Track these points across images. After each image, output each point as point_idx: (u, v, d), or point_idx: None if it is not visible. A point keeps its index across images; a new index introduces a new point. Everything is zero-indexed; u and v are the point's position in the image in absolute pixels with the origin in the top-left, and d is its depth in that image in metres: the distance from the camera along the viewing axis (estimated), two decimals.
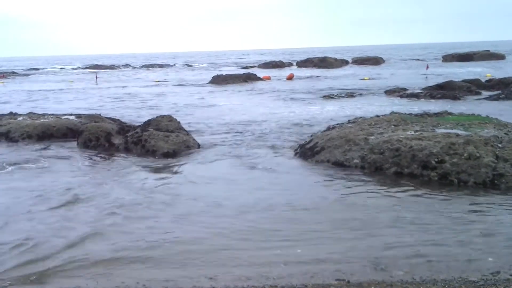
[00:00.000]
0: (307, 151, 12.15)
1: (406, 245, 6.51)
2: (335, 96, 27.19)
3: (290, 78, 41.63)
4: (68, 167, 11.92)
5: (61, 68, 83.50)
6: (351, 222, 7.49)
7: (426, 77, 38.31)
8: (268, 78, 41.46)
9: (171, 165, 12.03)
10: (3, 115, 18.57)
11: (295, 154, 12.54)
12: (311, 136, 13.53)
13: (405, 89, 27.92)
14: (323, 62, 61.09)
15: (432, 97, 24.16)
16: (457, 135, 10.66)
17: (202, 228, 7.46)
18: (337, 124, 14.13)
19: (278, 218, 7.80)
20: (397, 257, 6.13)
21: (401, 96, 25.69)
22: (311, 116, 19.58)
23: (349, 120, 14.46)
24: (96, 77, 48.13)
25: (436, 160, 9.88)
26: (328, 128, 13.73)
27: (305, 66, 60.67)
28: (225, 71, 53.63)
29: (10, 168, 11.85)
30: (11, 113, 19.13)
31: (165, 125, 14.70)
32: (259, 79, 40.45)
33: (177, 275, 5.86)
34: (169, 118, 15.36)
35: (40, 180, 10.74)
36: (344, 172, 10.56)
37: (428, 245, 6.52)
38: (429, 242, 6.61)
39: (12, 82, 51.09)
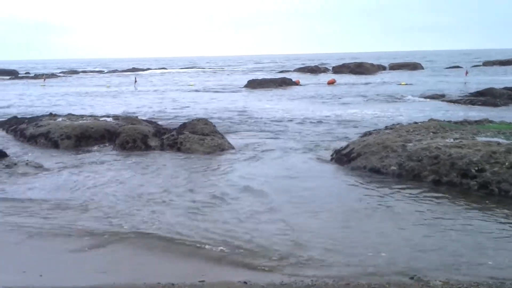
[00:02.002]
0: (343, 157, 12.01)
1: (445, 254, 6.33)
2: (372, 101, 26.89)
3: (331, 83, 41.32)
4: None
5: (100, 72, 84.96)
6: (387, 232, 7.33)
7: (465, 84, 37.52)
8: (298, 83, 41.22)
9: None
10: (43, 115, 18.98)
11: (331, 159, 12.41)
12: (348, 142, 13.38)
13: (444, 96, 27.40)
14: (360, 68, 60.44)
15: (472, 104, 23.63)
16: (498, 143, 10.35)
17: None
18: (373, 130, 13.94)
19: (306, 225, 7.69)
20: (436, 266, 5.97)
21: (439, 103, 25.19)
22: (350, 120, 19.45)
23: (386, 126, 14.24)
24: (135, 81, 48.82)
25: (476, 168, 9.59)
26: (365, 134, 13.55)
27: (341, 72, 60.12)
28: (260, 75, 53.65)
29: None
30: (50, 114, 19.54)
31: (200, 128, 14.77)
32: (294, 84, 40.34)
33: None
34: (205, 121, 15.44)
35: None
36: (380, 179, 10.37)
37: (466, 255, 6.32)
38: (467, 251, 6.41)
39: (53, 84, 52.37)
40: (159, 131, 15.45)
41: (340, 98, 29.57)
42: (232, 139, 15.23)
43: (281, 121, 19.80)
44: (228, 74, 69.27)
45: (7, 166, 11.99)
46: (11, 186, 10.32)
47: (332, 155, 12.66)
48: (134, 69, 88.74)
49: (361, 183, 10.12)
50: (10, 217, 8.35)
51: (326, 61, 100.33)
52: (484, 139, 11.09)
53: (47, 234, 7.54)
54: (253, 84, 39.40)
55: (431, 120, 14.16)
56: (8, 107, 28.12)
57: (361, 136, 13.42)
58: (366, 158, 11.33)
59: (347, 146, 12.60)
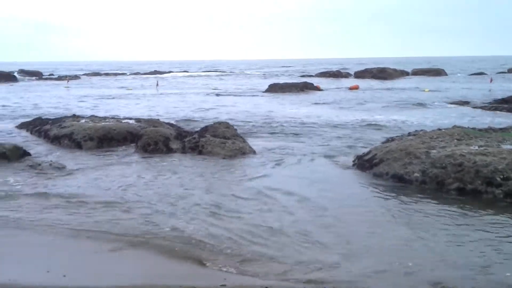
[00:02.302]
0: (365, 163, 11.89)
1: (470, 265, 6.22)
2: (395, 106, 26.69)
3: (354, 88, 41.05)
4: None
5: (122, 74, 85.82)
6: (411, 241, 7.22)
7: (490, 90, 37.01)
8: (319, 88, 40.98)
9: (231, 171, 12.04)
10: (66, 117, 19.21)
11: (353, 164, 12.31)
12: (370, 147, 13.27)
13: (468, 102, 27.06)
14: (382, 73, 60.03)
15: (497, 111, 23.26)
16: None
17: None
18: (396, 136, 13.79)
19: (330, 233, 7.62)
20: (461, 277, 5.87)
21: (464, 109, 24.87)
22: (372, 125, 19.36)
23: (409, 133, 14.08)
24: (157, 84, 49.14)
25: (501, 177, 9.41)
26: (387, 140, 13.41)
27: (363, 77, 59.76)
28: (280, 79, 53.55)
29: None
30: (74, 115, 19.77)
31: (221, 131, 14.79)
32: (316, 88, 40.20)
33: None
34: (226, 125, 15.46)
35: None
36: (403, 186, 10.26)
37: (491, 265, 6.20)
38: (493, 261, 6.29)
39: (76, 85, 53.04)
40: (181, 134, 15.51)
41: (362, 103, 29.39)
42: (253, 143, 15.21)
43: (302, 125, 19.75)
44: (248, 78, 69.44)
45: (31, 166, 12.15)
46: (33, 186, 10.45)
47: (354, 161, 12.56)
48: (156, 72, 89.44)
49: (384, 190, 10.01)
50: (34, 215, 8.45)
51: (347, 66, 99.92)
52: (509, 147, 10.89)
53: (73, 233, 7.62)
54: (274, 88, 39.35)
55: (455, 126, 13.95)
56: (32, 108, 28.54)
57: (384, 142, 13.28)
58: (388, 165, 11.20)
59: (369, 152, 12.48)
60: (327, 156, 13.50)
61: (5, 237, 7.51)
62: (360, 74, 62.24)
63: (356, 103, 29.76)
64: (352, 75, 64.60)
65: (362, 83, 47.49)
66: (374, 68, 64.65)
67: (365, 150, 13.03)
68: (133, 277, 5.98)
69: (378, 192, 9.90)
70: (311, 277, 5.97)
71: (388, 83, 49.13)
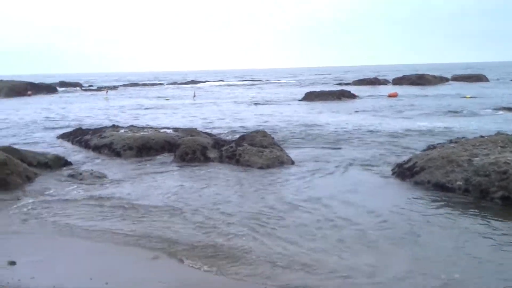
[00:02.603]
0: (405, 171, 11.67)
1: None
2: (435, 114, 26.19)
3: (393, 96, 40.43)
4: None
5: (159, 84, 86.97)
6: (456, 251, 7.01)
7: None
8: (355, 97, 40.26)
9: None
10: (106, 127, 19.56)
11: (393, 173, 12.08)
12: (410, 155, 13.00)
13: (511, 109, 26.31)
14: (421, 79, 59.07)
15: None
16: None
17: None
18: (437, 144, 13.50)
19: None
20: None
21: (507, 116, 24.17)
22: (413, 133, 19.08)
23: (450, 140, 13.78)
24: (194, 95, 49.59)
25: None
26: (428, 148, 13.15)
27: (401, 84, 58.93)
28: (316, 87, 53.19)
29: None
30: (113, 125, 20.12)
31: (259, 140, 14.75)
32: (353, 96, 39.69)
33: None
34: (263, 133, 15.42)
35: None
36: (445, 194, 10.02)
37: None
38: None
39: (114, 96, 54.02)
40: (218, 142, 15.55)
41: (401, 111, 28.94)
42: (291, 151, 15.13)
43: (341, 133, 19.57)
44: (284, 86, 69.35)
45: (73, 176, 12.38)
46: (76, 194, 10.64)
47: (393, 169, 12.35)
48: (192, 82, 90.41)
49: (426, 200, 9.82)
50: (81, 222, 8.60)
51: (384, 73, 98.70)
52: None
53: (119, 240, 7.76)
54: (310, 97, 39.16)
55: (498, 133, 13.55)
56: (73, 118, 29.16)
57: (425, 150, 13.03)
58: (430, 173, 10.96)
59: (410, 159, 12.25)
60: (366, 165, 13.32)
61: (54, 242, 7.69)
62: (398, 81, 61.39)
63: (395, 110, 29.33)
64: (390, 82, 63.75)
65: (400, 90, 46.78)
66: (413, 74, 63.69)
67: (406, 158, 12.80)
68: (174, 285, 5.97)
69: (420, 202, 9.70)
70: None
71: (427, 90, 48.26)
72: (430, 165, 11.19)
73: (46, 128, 23.97)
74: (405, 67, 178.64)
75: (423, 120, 23.81)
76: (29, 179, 12.03)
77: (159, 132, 17.61)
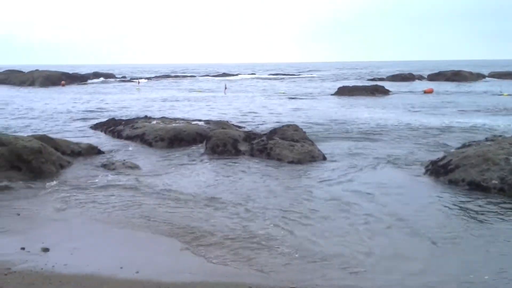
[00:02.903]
0: (440, 169, 11.43)
1: None
2: (472, 111, 25.62)
3: (429, 92, 39.72)
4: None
5: (191, 76, 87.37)
6: (489, 253, 6.82)
7: None
8: (389, 92, 39.63)
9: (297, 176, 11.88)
10: (139, 118, 19.73)
11: (426, 171, 11.83)
12: (445, 153, 12.72)
13: None
14: (457, 76, 57.92)
15: None
16: None
17: None
18: (473, 142, 13.17)
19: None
20: None
21: None
22: (448, 130, 18.73)
23: (486, 138, 13.42)
24: (226, 87, 49.70)
25: None
26: (464, 146, 12.83)
27: (437, 80, 57.89)
28: (348, 82, 52.70)
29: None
30: (145, 116, 20.27)
31: (290, 134, 14.65)
32: (387, 91, 39.13)
33: None
34: (295, 127, 15.30)
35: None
36: (480, 194, 9.79)
37: None
38: None
39: (147, 87, 54.53)
40: (249, 136, 15.50)
41: (437, 107, 28.42)
42: (322, 146, 14.97)
43: (374, 129, 19.33)
44: (316, 81, 68.83)
45: (105, 165, 12.50)
46: (103, 182, 10.75)
47: (427, 166, 12.11)
48: (224, 74, 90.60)
49: (460, 198, 9.61)
50: (112, 211, 8.70)
51: (419, 69, 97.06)
52: None
53: (152, 230, 7.81)
54: (343, 91, 38.78)
55: None
56: (106, 109, 29.54)
57: (460, 148, 12.73)
58: (465, 171, 10.72)
59: (445, 157, 12.00)
60: (399, 161, 13.12)
61: (86, 230, 7.80)
62: (433, 77, 60.34)
63: (430, 106, 28.82)
64: (425, 78, 62.64)
65: (436, 86, 45.96)
66: (449, 71, 62.45)
67: (440, 156, 12.53)
68: (204, 277, 5.95)
69: (454, 200, 9.50)
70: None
71: (464, 86, 47.31)
72: (465, 163, 10.95)
73: (79, 118, 24.34)
74: (440, 63, 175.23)
75: (459, 117, 23.34)
76: (62, 167, 12.21)
77: (191, 124, 17.67)
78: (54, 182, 10.88)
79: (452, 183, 10.61)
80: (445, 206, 9.07)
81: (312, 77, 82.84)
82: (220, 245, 7.11)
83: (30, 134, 14.72)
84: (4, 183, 10.66)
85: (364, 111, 26.33)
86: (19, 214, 8.54)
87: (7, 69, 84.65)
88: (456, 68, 67.62)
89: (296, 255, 6.71)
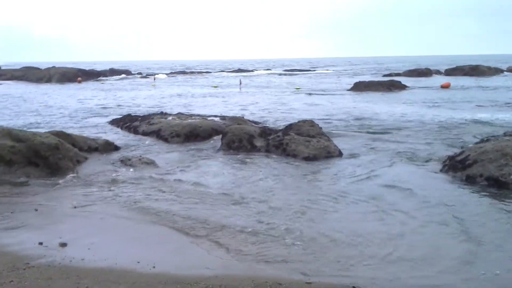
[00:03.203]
0: (457, 164, 11.31)
1: None
2: (490, 106, 25.33)
3: (446, 86, 39.30)
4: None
5: (207, 72, 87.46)
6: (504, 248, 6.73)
7: None
8: (405, 87, 39.26)
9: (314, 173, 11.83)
10: (155, 114, 19.80)
11: (443, 166, 11.71)
12: (463, 148, 12.57)
13: None
14: (475, 70, 57.25)
15: None
16: None
17: None
18: (492, 137, 12.99)
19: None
20: None
21: None
22: (465, 125, 18.56)
23: (505, 133, 13.26)
24: (240, 82, 49.67)
25: None
26: (482, 141, 12.67)
27: (454, 74, 57.20)
28: (364, 78, 52.26)
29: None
30: (161, 112, 20.35)
31: (306, 130, 14.58)
32: (404, 86, 38.73)
33: None
34: (310, 123, 15.22)
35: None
36: (499, 189, 9.67)
37: None
38: None
39: (163, 83, 54.72)
40: (265, 131, 15.46)
41: (454, 102, 28.16)
42: (339, 141, 14.88)
43: (391, 124, 19.18)
44: (331, 76, 68.48)
45: (122, 161, 12.56)
46: (120, 178, 10.81)
47: (445, 161, 11.99)
48: (239, 70, 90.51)
49: (478, 194, 9.51)
50: (129, 206, 8.76)
51: (435, 64, 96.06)
52: None
53: (169, 225, 7.86)
54: (359, 87, 38.50)
55: None
56: (122, 105, 29.71)
57: (478, 143, 12.57)
58: (482, 166, 10.59)
59: (462, 152, 11.86)
60: (416, 156, 13.03)
61: (104, 225, 7.89)
62: (451, 72, 59.62)
63: (447, 101, 28.55)
64: (442, 72, 61.92)
65: (453, 81, 45.48)
66: (466, 65, 61.71)
67: (458, 151, 12.40)
68: (221, 272, 5.95)
69: (471, 195, 9.41)
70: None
71: (482, 81, 46.75)
72: (483, 158, 10.82)
73: (96, 114, 24.52)
74: (457, 57, 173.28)
75: (476, 112, 23.08)
76: (79, 163, 12.29)
77: (207, 119, 17.70)
78: (71, 178, 10.98)
79: (470, 178, 10.48)
80: (461, 202, 8.97)
81: (326, 72, 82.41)
82: (236, 240, 7.13)
83: (47, 130, 14.84)
84: (22, 179, 10.78)
85: (381, 107, 26.13)
86: (36, 210, 8.61)
87: (24, 66, 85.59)
88: (473, 63, 66.82)
89: (313, 252, 6.70)
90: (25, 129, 15.52)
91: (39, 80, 58.52)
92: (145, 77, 71.25)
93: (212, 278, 5.64)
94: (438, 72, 62.36)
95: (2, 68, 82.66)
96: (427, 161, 12.49)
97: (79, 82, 56.74)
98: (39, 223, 7.92)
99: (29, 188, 10.21)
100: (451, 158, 11.98)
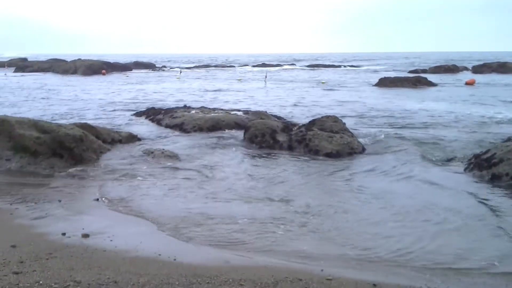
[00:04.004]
0: (483, 162, 11.12)
1: None
2: None
3: (471, 83, 38.66)
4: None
5: (230, 66, 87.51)
6: None
7: None
8: (431, 84, 38.71)
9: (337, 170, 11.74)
10: (178, 107, 19.88)
11: (469, 164, 11.52)
12: (489, 147, 12.34)
13: None
14: (503, 67, 56.14)
15: None
16: None
17: None
18: None
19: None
20: None
21: None
22: (492, 124, 18.19)
23: None
24: (266, 76, 49.59)
25: None
26: (509, 139, 12.41)
27: (482, 72, 56.15)
28: (389, 74, 51.59)
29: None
30: (185, 106, 20.41)
31: (329, 125, 14.49)
32: (430, 83, 38.14)
33: None
34: (334, 118, 15.12)
35: None
36: None
37: None
38: None
39: (187, 77, 54.90)
40: (287, 126, 15.41)
41: (481, 99, 27.60)
42: (362, 138, 14.75)
43: (416, 121, 18.96)
44: (356, 72, 67.88)
45: (145, 154, 12.63)
46: (142, 170, 10.85)
47: (470, 160, 11.79)
48: (264, 65, 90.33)
49: (503, 193, 9.31)
50: (151, 199, 8.78)
51: (463, 60, 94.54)
52: None
53: (190, 220, 7.85)
54: (384, 82, 38.02)
55: None
56: (146, 98, 29.90)
57: (505, 141, 12.32)
58: (509, 165, 10.42)
59: (488, 150, 11.64)
60: (440, 154, 12.83)
61: (126, 217, 7.93)
62: (478, 69, 58.53)
63: (474, 98, 28.04)
64: (469, 69, 60.88)
65: (481, 78, 44.68)
66: (494, 62, 60.57)
67: (484, 149, 12.16)
68: (240, 265, 5.94)
69: (497, 194, 9.22)
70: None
71: (510, 78, 45.75)
72: (509, 156, 10.62)
73: (120, 107, 24.72)
74: (485, 54, 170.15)
75: (504, 110, 22.62)
76: (103, 155, 12.40)
77: (230, 114, 17.70)
78: (95, 170, 11.10)
79: (495, 177, 10.31)
80: (487, 200, 8.81)
81: (351, 68, 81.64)
82: (256, 235, 7.12)
83: (72, 122, 15.01)
84: (47, 170, 10.92)
85: (406, 103, 25.80)
86: (60, 201, 8.71)
87: (50, 58, 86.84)
88: (501, 60, 65.59)
89: (336, 250, 6.66)
90: (50, 120, 15.72)
91: (65, 72, 59.35)
92: (169, 70, 71.59)
93: (232, 272, 5.63)
94: (465, 69, 61.33)
95: (29, 60, 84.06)
96: (451, 159, 12.30)
97: (103, 74, 57.47)
98: (62, 214, 8.01)
99: (53, 179, 10.35)
100: (476, 156, 11.79)
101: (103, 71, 58.97)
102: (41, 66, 68.09)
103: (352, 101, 27.40)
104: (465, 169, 11.32)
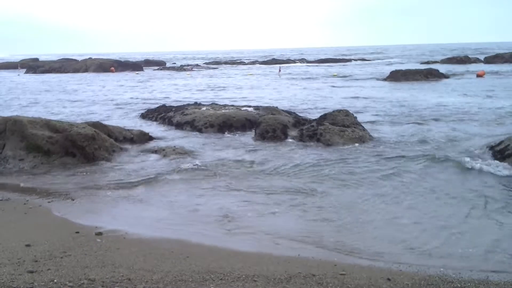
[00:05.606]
0: (497, 154, 11.05)
1: None
2: None
3: (481, 75, 38.25)
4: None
5: (241, 63, 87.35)
6: None
7: None
8: (443, 76, 38.36)
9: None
10: (189, 104, 19.88)
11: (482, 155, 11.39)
12: (503, 138, 12.22)
13: None
14: None
15: None
16: None
17: None
18: None
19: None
20: None
21: None
22: (505, 115, 17.92)
23: None
24: (280, 70, 49.60)
25: None
26: None
27: (494, 62, 55.51)
28: (400, 66, 51.23)
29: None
30: (195, 103, 20.40)
31: (341, 119, 14.43)
32: (441, 75, 37.76)
33: None
34: (346, 112, 15.05)
35: None
36: None
37: None
38: None
39: (197, 74, 54.96)
40: (299, 121, 15.36)
41: (494, 91, 27.15)
42: (374, 132, 14.66)
43: (428, 114, 18.76)
44: (368, 65, 67.51)
45: (156, 151, 12.66)
46: (154, 168, 10.90)
47: (483, 151, 11.68)
48: (274, 61, 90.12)
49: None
50: (164, 197, 8.83)
51: (474, 51, 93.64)
52: None
53: (203, 218, 7.88)
54: (396, 75, 37.62)
55: None
56: (157, 95, 30.00)
57: None
58: None
59: (502, 142, 11.56)
60: (454, 147, 12.66)
61: (139, 214, 7.99)
62: (491, 60, 57.84)
63: (487, 90, 27.62)
64: (481, 60, 60.19)
65: (494, 68, 44.13)
66: (507, 52, 59.86)
67: (497, 140, 12.04)
68: (252, 256, 5.94)
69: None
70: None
71: None
72: None
73: (131, 104, 24.82)
74: (499, 44, 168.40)
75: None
76: (115, 153, 12.44)
77: (240, 110, 17.68)
78: (107, 168, 11.14)
79: (509, 168, 10.19)
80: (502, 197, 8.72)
81: (362, 62, 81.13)
82: (268, 230, 7.12)
83: (84, 121, 15.09)
84: (60, 169, 10.99)
85: (418, 96, 25.56)
86: (73, 199, 8.77)
87: (61, 57, 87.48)
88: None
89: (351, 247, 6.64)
90: (62, 119, 15.80)
91: (76, 71, 59.97)
92: (179, 68, 71.73)
93: (245, 268, 5.62)
94: (477, 60, 60.67)
95: (40, 60, 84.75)
96: (464, 152, 12.14)
97: (112, 71, 58.58)
98: (75, 212, 8.07)
99: (66, 178, 10.41)
100: (490, 147, 11.71)
101: (112, 68, 60.27)
102: (52, 66, 68.62)
103: (364, 94, 27.30)
104: (480, 158, 11.18)
